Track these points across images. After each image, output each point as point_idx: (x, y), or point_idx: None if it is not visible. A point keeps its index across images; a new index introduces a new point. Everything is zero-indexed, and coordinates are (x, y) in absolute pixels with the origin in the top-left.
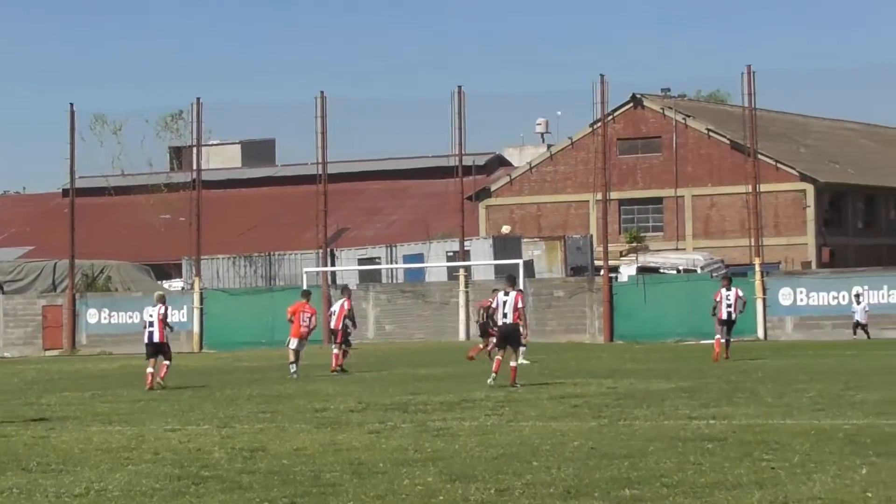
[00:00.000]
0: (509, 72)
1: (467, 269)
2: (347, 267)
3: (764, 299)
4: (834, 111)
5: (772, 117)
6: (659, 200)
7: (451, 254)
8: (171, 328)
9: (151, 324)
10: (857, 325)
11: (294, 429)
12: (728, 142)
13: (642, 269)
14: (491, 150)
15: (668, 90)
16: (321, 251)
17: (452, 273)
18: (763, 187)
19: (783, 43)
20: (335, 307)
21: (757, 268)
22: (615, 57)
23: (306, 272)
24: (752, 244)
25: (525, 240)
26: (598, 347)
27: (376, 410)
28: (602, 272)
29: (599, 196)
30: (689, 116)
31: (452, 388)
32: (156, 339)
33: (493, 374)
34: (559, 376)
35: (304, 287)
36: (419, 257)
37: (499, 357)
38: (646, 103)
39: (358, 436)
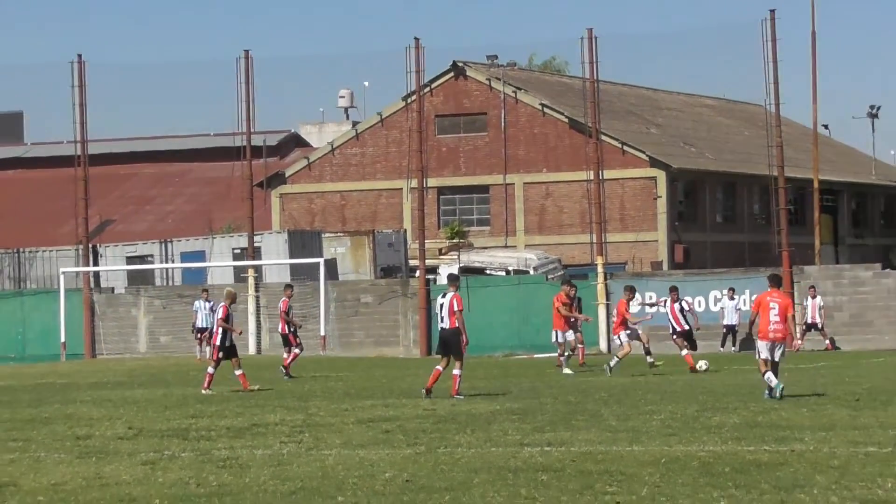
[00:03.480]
0: (306, 34)
1: (257, 268)
2: (113, 266)
3: (607, 305)
4: (688, 84)
5: (617, 91)
6: (485, 189)
7: (239, 251)
8: None
9: None
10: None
11: (51, 459)
12: (566, 120)
13: (465, 270)
14: (285, 127)
15: (496, 58)
16: (81, 248)
17: (240, 274)
18: (608, 174)
19: (629, 3)
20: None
21: (599, 269)
22: (433, 18)
23: (63, 273)
24: (594, 241)
25: (326, 235)
26: (413, 362)
27: (150, 437)
28: (418, 273)
29: (415, 183)
30: (520, 89)
31: (241, 411)
32: None
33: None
34: (368, 397)
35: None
36: (200, 255)
37: (439, 368)
38: (469, 73)
39: (128, 468)
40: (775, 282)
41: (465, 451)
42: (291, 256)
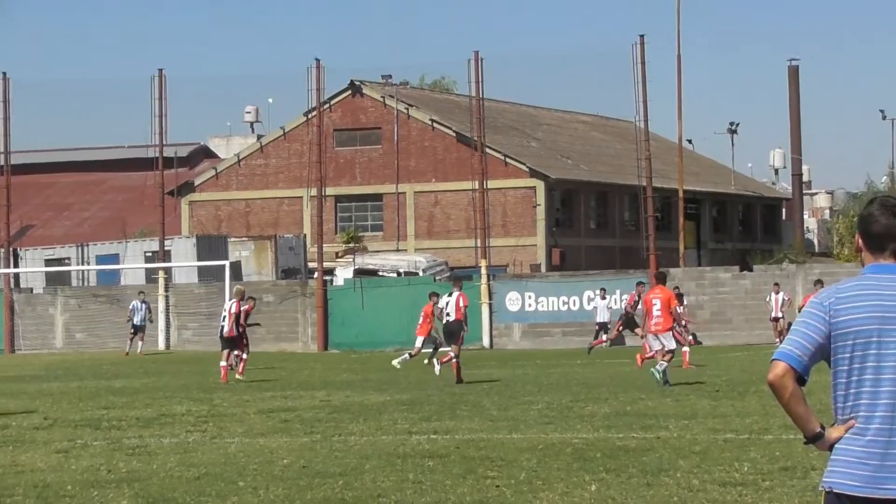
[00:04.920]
0: (215, 54)
1: (167, 270)
2: (33, 268)
3: (490, 305)
4: (565, 102)
5: (500, 108)
6: (379, 197)
7: (150, 254)
8: None
9: None
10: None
11: None
12: (454, 134)
13: (360, 272)
14: (195, 140)
15: (390, 77)
16: (3, 251)
17: (151, 275)
18: (491, 184)
19: (512, 28)
20: (226, 310)
21: (483, 271)
22: (332, 40)
23: None
24: (479, 245)
25: (232, 239)
26: (310, 357)
27: (64, 427)
28: (316, 275)
29: (314, 192)
30: (411, 106)
31: (150, 402)
32: None
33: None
34: (268, 389)
35: None
36: (114, 258)
37: (451, 354)
38: (365, 91)
39: (43, 455)
40: (661, 279)
41: (358, 439)
42: (199, 259)
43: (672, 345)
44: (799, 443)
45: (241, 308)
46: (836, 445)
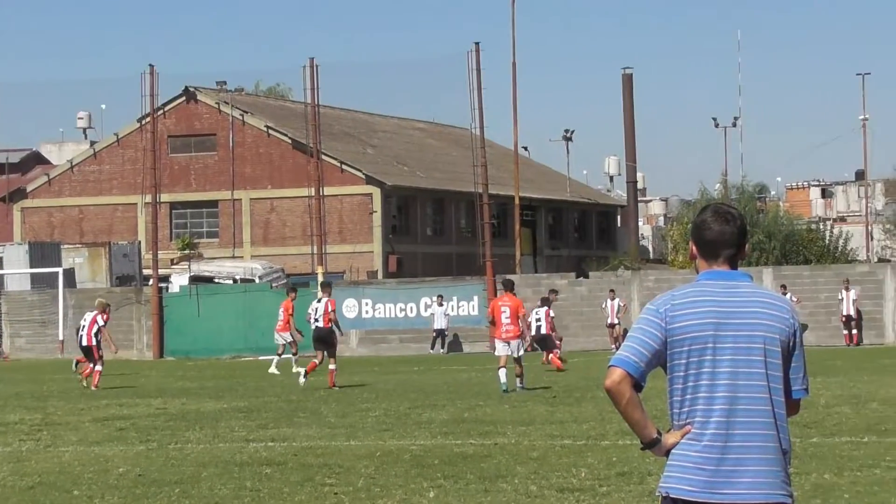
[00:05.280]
0: (47, 59)
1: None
2: None
3: None
4: (401, 109)
5: (337, 115)
6: (214, 204)
7: None
8: None
9: None
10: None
11: None
12: (289, 141)
13: (196, 279)
14: (27, 146)
15: (225, 83)
16: None
17: None
18: (327, 190)
19: (347, 35)
20: (86, 320)
21: (319, 277)
22: (166, 46)
23: None
24: (315, 252)
25: (65, 246)
26: (146, 364)
27: None
28: (151, 282)
29: (149, 198)
30: (246, 113)
31: None
32: None
33: (305, 375)
34: (103, 397)
35: None
36: None
37: (315, 361)
38: (200, 97)
39: None
40: (508, 286)
41: (195, 447)
42: (32, 266)
43: (520, 352)
44: (636, 448)
45: (99, 320)
46: (672, 451)
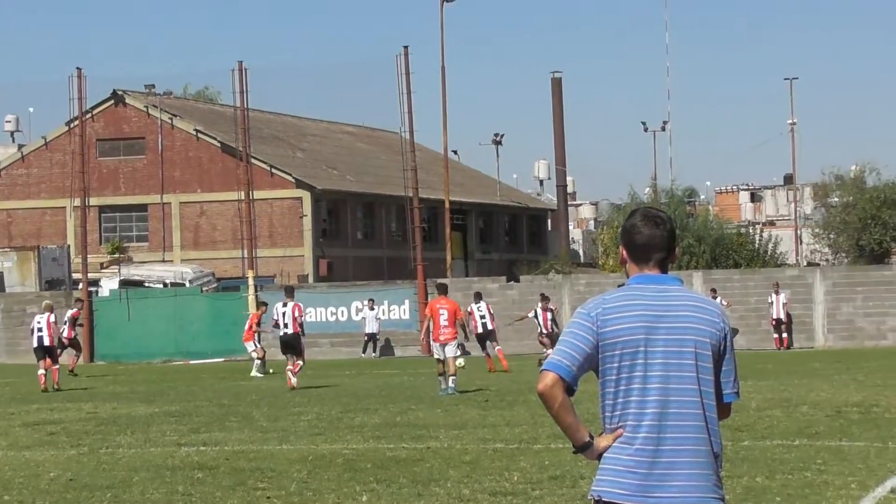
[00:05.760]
0: None
1: None
2: None
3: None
4: (330, 113)
5: (266, 118)
6: (144, 207)
7: None
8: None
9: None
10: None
11: None
12: (219, 144)
13: (126, 283)
14: None
15: (153, 87)
16: None
17: None
18: (257, 194)
19: (276, 38)
20: (41, 322)
21: (250, 281)
22: (93, 48)
23: None
24: (246, 256)
25: None
26: (77, 368)
27: None
28: (81, 286)
29: (77, 202)
30: (175, 116)
31: None
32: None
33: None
34: (33, 401)
35: None
36: None
37: (290, 366)
38: (128, 101)
39: None
40: (443, 290)
41: (126, 451)
42: None
43: (456, 353)
44: (568, 452)
45: (67, 315)
46: (604, 454)
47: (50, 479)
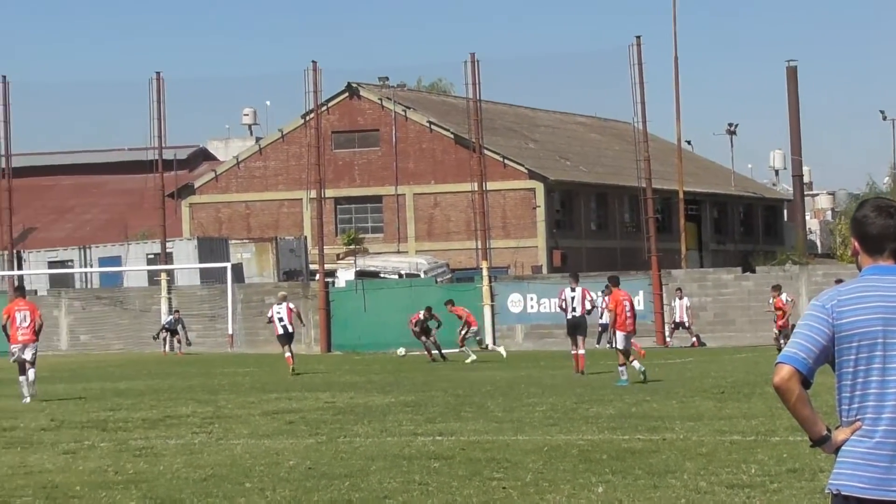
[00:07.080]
0: (213, 56)
1: (170, 272)
2: (36, 271)
3: (492, 306)
4: (562, 103)
5: (498, 110)
6: (378, 199)
7: (152, 256)
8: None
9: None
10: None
11: None
12: (452, 136)
13: (361, 274)
14: (194, 142)
15: (387, 79)
16: (6, 253)
17: (153, 277)
18: (490, 185)
19: (508, 30)
20: (280, 311)
21: (484, 272)
22: (328, 42)
23: None
24: (479, 247)
25: (233, 241)
26: (314, 359)
27: (71, 429)
28: (318, 277)
29: (313, 194)
30: (409, 108)
31: (155, 404)
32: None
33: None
34: (272, 390)
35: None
36: (116, 260)
37: (574, 351)
38: (362, 93)
39: (51, 457)
40: (615, 282)
41: (363, 441)
42: (201, 261)
43: (626, 344)
44: (806, 444)
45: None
46: (842, 447)
47: (289, 467)
